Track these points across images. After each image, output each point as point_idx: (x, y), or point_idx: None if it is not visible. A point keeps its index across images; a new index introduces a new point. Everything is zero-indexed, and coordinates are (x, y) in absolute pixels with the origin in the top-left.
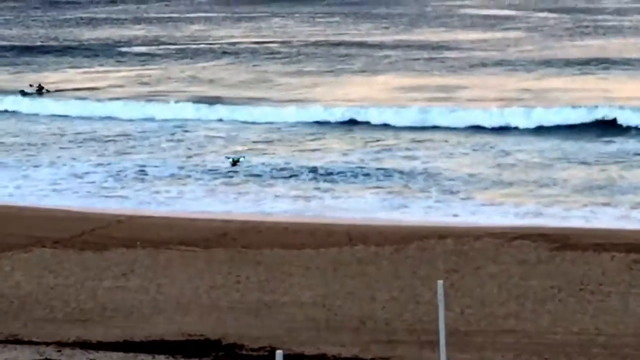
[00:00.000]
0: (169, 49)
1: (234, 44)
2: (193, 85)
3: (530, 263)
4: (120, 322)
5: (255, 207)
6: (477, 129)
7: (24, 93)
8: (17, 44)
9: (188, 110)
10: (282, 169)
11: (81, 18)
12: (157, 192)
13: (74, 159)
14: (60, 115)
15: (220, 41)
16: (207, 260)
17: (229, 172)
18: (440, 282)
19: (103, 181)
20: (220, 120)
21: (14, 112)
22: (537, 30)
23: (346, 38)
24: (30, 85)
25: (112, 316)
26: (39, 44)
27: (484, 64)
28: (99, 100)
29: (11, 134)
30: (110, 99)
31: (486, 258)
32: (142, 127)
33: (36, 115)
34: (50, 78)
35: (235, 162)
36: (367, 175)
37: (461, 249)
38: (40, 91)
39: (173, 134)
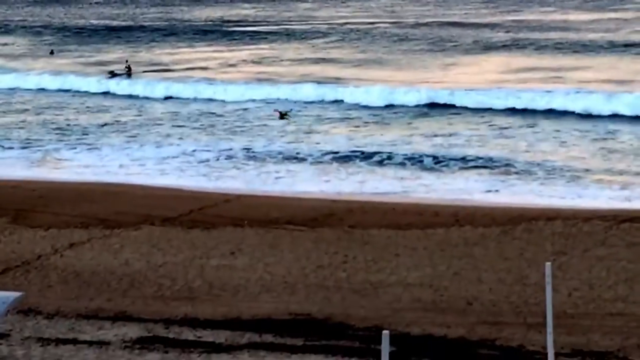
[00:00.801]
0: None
1: (342, 24)
2: (303, 65)
3: (639, 246)
4: (228, 300)
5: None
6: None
7: (112, 74)
8: (124, 23)
9: (306, 90)
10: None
11: None
12: (267, 172)
13: (180, 138)
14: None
15: (330, 21)
16: (314, 240)
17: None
18: (548, 264)
19: (214, 160)
20: (336, 101)
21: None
22: None
23: (456, 19)
24: (115, 72)
25: (220, 294)
26: (148, 23)
27: (597, 45)
28: (207, 80)
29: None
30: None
31: (595, 240)
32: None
33: (129, 96)
34: (161, 57)
35: (283, 116)
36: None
37: (569, 231)
38: (129, 73)
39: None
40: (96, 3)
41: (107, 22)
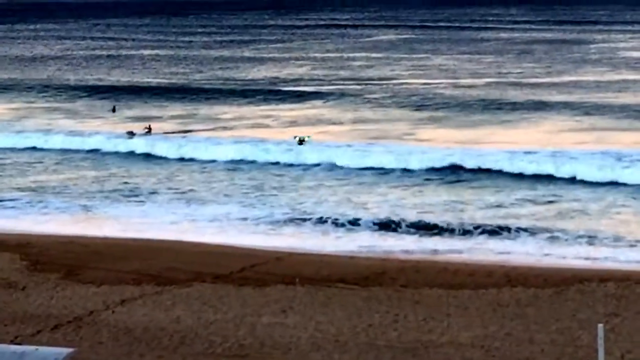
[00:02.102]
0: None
1: (396, 83)
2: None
3: None
4: (279, 358)
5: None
6: None
7: (131, 134)
8: (179, 82)
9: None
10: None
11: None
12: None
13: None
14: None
15: (383, 81)
16: (365, 299)
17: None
18: (600, 326)
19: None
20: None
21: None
22: None
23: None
24: (134, 131)
25: (271, 352)
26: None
27: None
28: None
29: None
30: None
31: None
32: None
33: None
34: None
35: (301, 142)
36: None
37: (622, 292)
38: (149, 132)
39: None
40: (153, 60)
41: (163, 80)
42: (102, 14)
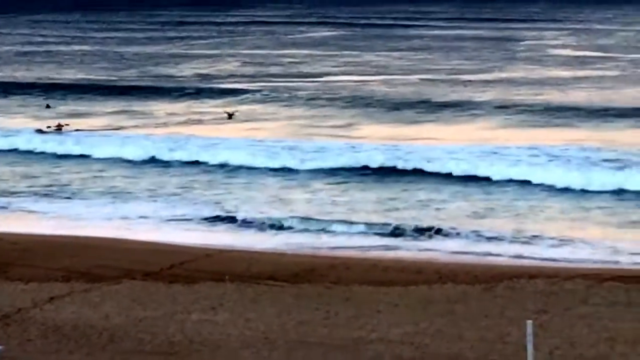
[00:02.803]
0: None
1: (325, 82)
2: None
3: (621, 305)
4: (208, 355)
5: None
6: None
7: (40, 131)
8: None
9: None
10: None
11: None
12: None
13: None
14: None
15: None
16: (295, 296)
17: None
18: (529, 322)
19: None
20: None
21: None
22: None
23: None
24: (48, 127)
25: (200, 349)
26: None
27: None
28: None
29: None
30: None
31: (576, 299)
32: None
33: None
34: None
35: (230, 116)
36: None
37: (551, 289)
38: (59, 129)
39: None
40: (85, 57)
41: (96, 77)
42: (29, 10)
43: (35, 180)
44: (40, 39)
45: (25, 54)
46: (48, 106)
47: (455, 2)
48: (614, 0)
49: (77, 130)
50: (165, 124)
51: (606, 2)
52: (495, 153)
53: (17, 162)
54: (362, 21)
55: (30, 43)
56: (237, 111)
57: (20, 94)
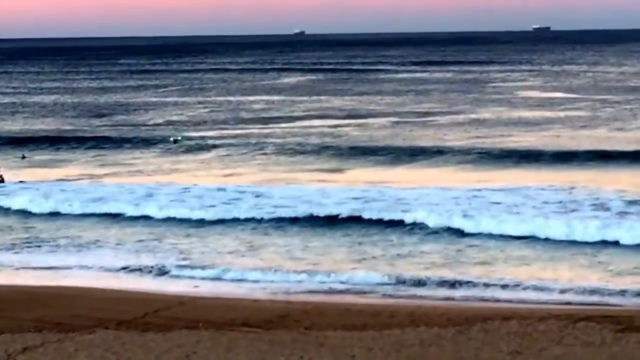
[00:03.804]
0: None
1: (299, 126)
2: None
3: (595, 345)
4: None
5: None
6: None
7: None
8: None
9: None
10: None
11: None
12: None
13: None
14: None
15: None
16: (269, 342)
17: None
18: None
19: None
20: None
21: None
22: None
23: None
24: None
25: None
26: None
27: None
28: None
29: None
30: None
31: (550, 340)
32: None
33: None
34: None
35: (175, 141)
36: None
37: (525, 330)
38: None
39: None
40: (56, 107)
41: (69, 127)
42: None
43: None
44: (7, 90)
45: None
46: (24, 157)
47: (419, 46)
48: (578, 41)
49: (20, 181)
50: (139, 172)
51: (570, 43)
52: (473, 197)
53: None
54: (329, 66)
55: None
56: (181, 137)
57: None
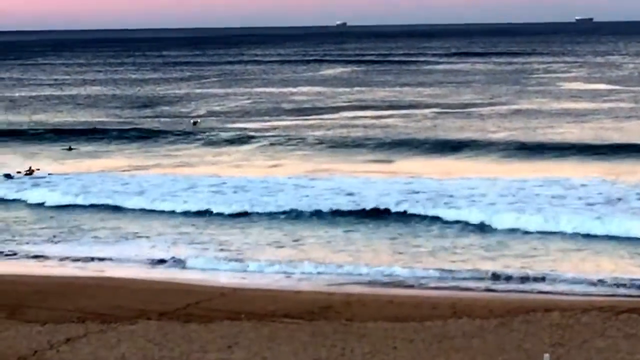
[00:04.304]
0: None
1: (339, 118)
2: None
3: (638, 337)
4: None
5: None
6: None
7: (8, 176)
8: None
9: None
10: None
11: None
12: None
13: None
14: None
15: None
16: (311, 333)
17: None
18: (546, 356)
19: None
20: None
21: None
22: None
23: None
24: (18, 172)
25: None
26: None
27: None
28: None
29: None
30: None
31: (593, 332)
32: None
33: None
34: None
35: (195, 123)
36: None
37: (567, 322)
38: (30, 174)
39: None
40: (101, 100)
41: (114, 120)
42: (32, 54)
43: (36, 225)
44: (51, 82)
45: (38, 98)
46: (70, 148)
47: (461, 37)
48: (621, 32)
49: (49, 174)
50: (182, 164)
51: (613, 34)
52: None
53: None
54: (371, 58)
55: (40, 86)
56: (199, 120)
57: (42, 138)
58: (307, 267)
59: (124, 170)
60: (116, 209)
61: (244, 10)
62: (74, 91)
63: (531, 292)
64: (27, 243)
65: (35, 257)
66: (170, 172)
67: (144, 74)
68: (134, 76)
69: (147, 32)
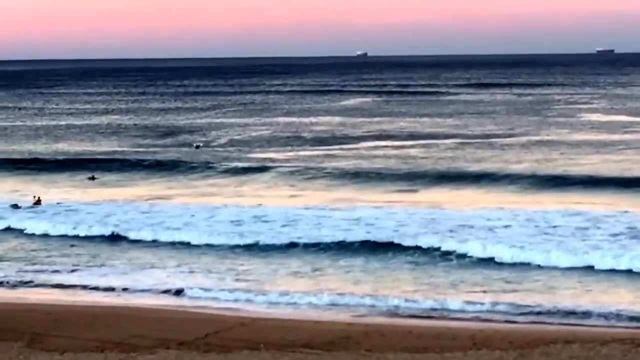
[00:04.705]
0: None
1: (359, 148)
2: None
3: None
4: None
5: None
6: None
7: (16, 206)
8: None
9: None
10: None
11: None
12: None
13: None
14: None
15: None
16: None
17: None
18: None
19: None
20: None
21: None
22: None
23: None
24: (33, 202)
25: None
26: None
27: None
28: None
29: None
30: None
31: None
32: None
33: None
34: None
35: (197, 147)
36: None
37: (587, 354)
38: (38, 204)
39: None
40: (123, 129)
41: (138, 149)
42: (54, 83)
43: (53, 254)
44: (73, 110)
45: (59, 127)
46: (93, 177)
47: (482, 68)
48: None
49: (57, 203)
50: (204, 193)
51: (635, 66)
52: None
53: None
54: (391, 88)
55: (61, 115)
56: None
57: (63, 166)
58: (326, 297)
59: (146, 199)
60: (134, 239)
61: (265, 41)
62: (95, 120)
63: (551, 323)
64: (46, 272)
65: (55, 286)
66: (192, 202)
67: (165, 102)
68: (155, 105)
69: (168, 61)
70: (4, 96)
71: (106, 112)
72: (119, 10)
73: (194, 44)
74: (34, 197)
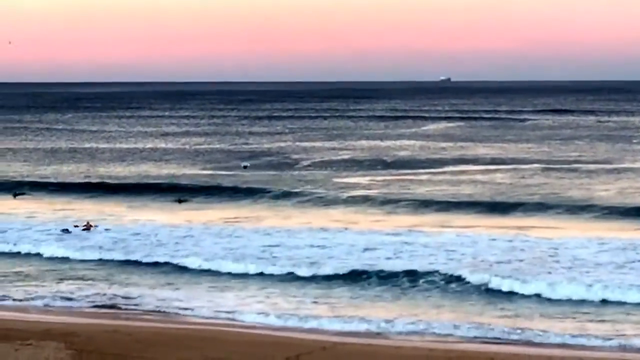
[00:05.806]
0: None
1: (444, 172)
2: None
3: None
4: None
5: None
6: None
7: (66, 231)
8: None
9: None
10: None
11: None
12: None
13: None
14: None
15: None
16: None
17: None
18: None
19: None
20: None
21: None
22: None
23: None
24: (76, 226)
25: None
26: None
27: None
28: None
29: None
30: None
31: None
32: None
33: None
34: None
35: (245, 167)
36: None
37: None
38: (87, 229)
39: None
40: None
41: (217, 172)
42: (138, 105)
43: (133, 277)
44: (159, 134)
45: (144, 149)
46: (180, 201)
47: (567, 94)
48: None
49: (106, 229)
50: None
51: None
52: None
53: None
54: (474, 114)
55: (147, 137)
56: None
57: (150, 190)
58: (406, 322)
59: (226, 222)
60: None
61: (350, 65)
62: (179, 144)
63: (574, 347)
64: (125, 297)
65: (133, 308)
66: (277, 225)
67: (247, 126)
68: (237, 129)
69: (251, 85)
70: (105, 117)
71: (189, 134)
72: (210, 35)
73: (280, 69)
74: (87, 222)
